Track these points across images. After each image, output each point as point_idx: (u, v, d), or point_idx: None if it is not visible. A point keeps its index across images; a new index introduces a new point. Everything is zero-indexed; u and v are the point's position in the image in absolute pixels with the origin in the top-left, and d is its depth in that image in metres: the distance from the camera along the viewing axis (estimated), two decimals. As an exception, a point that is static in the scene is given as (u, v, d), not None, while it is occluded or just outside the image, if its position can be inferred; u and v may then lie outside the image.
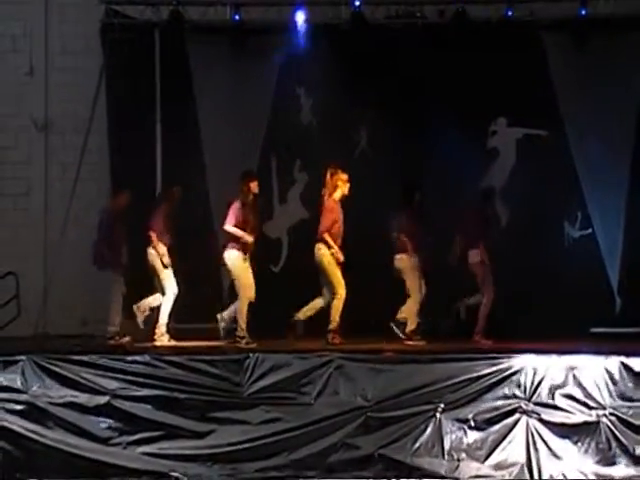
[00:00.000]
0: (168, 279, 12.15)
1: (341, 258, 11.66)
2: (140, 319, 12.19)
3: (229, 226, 11.79)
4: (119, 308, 12.18)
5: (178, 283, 12.18)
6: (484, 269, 12.08)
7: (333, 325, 11.63)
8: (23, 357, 10.72)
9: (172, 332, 12.19)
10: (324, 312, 11.81)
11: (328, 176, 11.85)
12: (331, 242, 11.66)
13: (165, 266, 12.11)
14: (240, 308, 11.79)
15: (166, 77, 13.49)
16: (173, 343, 12.00)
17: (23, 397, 10.64)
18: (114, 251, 12.10)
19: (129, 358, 10.69)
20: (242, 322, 11.73)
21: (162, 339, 12.07)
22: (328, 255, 11.66)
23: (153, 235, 12.10)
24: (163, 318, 12.16)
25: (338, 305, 11.65)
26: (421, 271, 12.06)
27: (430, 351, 11.10)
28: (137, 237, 12.30)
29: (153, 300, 12.24)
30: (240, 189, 11.90)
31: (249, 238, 11.75)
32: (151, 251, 12.13)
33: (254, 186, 11.96)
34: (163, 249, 12.10)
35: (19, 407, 10.62)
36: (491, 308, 12.09)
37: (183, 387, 10.55)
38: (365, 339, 11.79)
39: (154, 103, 13.52)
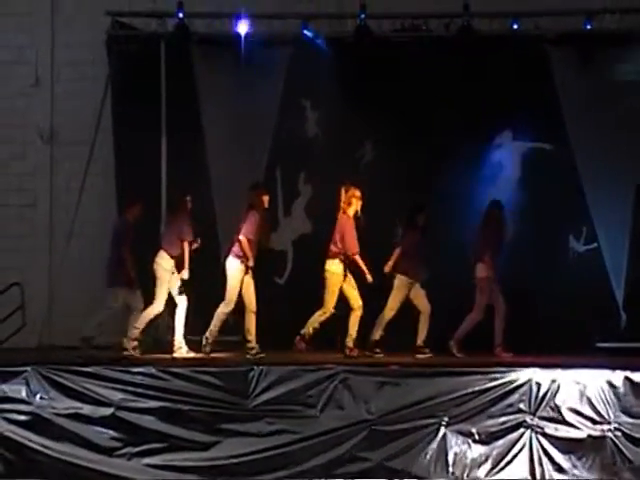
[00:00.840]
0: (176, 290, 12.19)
1: (370, 279, 11.81)
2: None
3: (244, 237, 11.84)
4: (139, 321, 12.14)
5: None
6: (487, 284, 12.10)
7: (351, 338, 11.79)
8: (28, 368, 10.76)
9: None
10: (330, 325, 11.86)
11: (342, 192, 11.93)
12: (362, 265, 11.81)
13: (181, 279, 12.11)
14: (248, 320, 11.84)
15: (172, 88, 13.48)
16: (192, 355, 11.96)
17: (28, 408, 10.67)
18: (126, 266, 12.06)
19: (134, 370, 10.72)
20: (252, 333, 11.79)
21: (181, 351, 12.04)
22: (340, 275, 11.79)
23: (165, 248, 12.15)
24: (179, 330, 12.15)
25: (354, 320, 11.86)
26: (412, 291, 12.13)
27: (434, 365, 11.10)
28: (143, 247, 12.32)
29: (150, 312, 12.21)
30: (253, 201, 11.98)
31: (251, 261, 11.86)
32: (159, 261, 12.13)
33: (266, 200, 12.10)
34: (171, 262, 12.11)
35: (23, 418, 10.66)
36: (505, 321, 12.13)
37: (188, 399, 10.58)
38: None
39: (159, 114, 13.51)
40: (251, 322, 11.81)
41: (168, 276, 12.09)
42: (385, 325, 12.07)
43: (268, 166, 13.38)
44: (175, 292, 12.15)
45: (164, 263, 12.09)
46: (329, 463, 10.33)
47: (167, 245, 12.18)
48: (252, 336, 11.77)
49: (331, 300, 11.88)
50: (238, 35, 13.33)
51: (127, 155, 13.31)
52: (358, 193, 11.96)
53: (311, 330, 12.01)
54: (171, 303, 12.26)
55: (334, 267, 11.86)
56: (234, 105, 13.29)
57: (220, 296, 12.16)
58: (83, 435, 10.56)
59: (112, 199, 13.37)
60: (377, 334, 12.04)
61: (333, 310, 11.92)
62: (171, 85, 13.46)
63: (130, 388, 10.64)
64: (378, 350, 11.95)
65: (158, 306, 12.07)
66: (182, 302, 12.18)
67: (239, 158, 13.23)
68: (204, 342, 11.84)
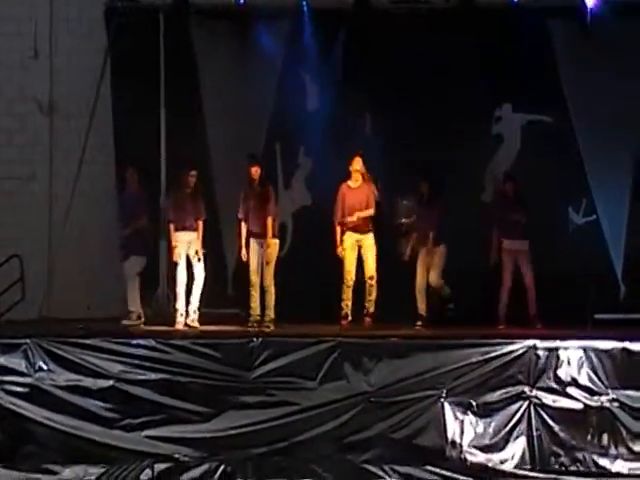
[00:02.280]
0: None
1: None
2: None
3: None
4: (136, 289, 12.29)
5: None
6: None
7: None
8: (27, 340, 10.74)
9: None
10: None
11: (360, 163, 12.06)
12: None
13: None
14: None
15: (170, 60, 13.45)
16: (202, 327, 12.03)
17: (27, 380, 10.66)
18: (144, 235, 12.32)
19: (134, 342, 10.71)
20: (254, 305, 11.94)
21: (194, 323, 12.10)
22: None
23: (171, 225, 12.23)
24: (195, 302, 12.19)
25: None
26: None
27: (433, 337, 11.14)
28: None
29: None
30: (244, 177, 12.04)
31: (241, 245, 12.05)
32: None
33: (253, 171, 12.06)
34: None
35: (23, 390, 10.64)
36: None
37: (188, 371, 10.57)
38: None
39: (158, 86, 13.48)
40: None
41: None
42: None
43: (268, 139, 13.37)
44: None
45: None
46: (328, 434, 10.35)
47: (185, 222, 12.20)
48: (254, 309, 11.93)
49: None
50: (238, 7, 13.28)
51: (126, 127, 13.25)
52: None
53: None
54: (172, 275, 12.31)
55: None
56: (233, 77, 13.29)
57: (219, 271, 12.21)
58: (82, 407, 10.56)
59: (111, 171, 13.37)
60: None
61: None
62: (170, 57, 13.43)
63: (130, 360, 10.64)
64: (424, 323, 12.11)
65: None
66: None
67: (238, 130, 13.24)
68: (254, 324, 11.91)
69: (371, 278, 12.06)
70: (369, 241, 12.12)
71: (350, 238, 12.13)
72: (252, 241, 12.11)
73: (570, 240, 13.12)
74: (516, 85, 13.19)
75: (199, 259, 12.14)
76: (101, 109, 13.34)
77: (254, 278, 12.04)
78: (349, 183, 12.29)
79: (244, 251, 12.13)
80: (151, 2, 13.50)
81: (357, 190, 12.24)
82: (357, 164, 12.21)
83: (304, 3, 13.29)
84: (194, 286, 12.14)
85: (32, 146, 14.30)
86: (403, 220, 12.27)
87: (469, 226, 12.41)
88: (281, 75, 13.34)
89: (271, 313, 11.97)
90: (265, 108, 13.34)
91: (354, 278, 12.09)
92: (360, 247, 12.13)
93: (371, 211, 12.15)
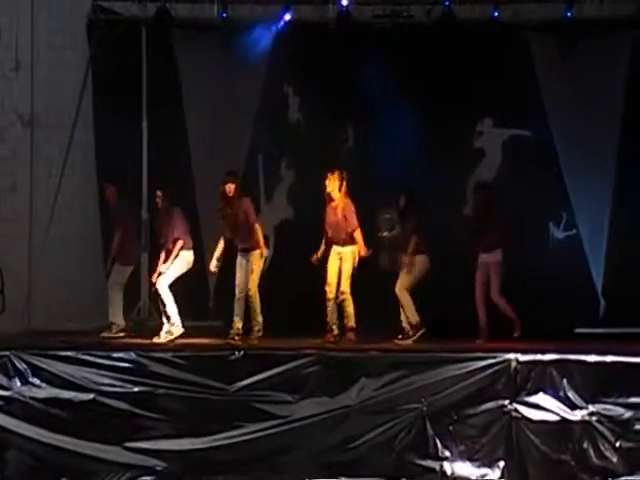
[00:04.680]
0: None
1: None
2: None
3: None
4: (119, 301, 12.30)
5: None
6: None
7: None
8: (7, 352, 10.68)
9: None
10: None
11: (335, 174, 11.90)
12: (360, 240, 11.89)
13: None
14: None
15: (153, 73, 13.48)
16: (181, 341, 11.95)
17: (7, 393, 10.60)
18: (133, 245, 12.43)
19: (114, 355, 10.67)
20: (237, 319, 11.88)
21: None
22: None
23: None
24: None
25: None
26: None
27: (415, 350, 11.14)
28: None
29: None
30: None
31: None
32: None
33: (227, 189, 11.92)
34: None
35: (1, 403, 10.57)
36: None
37: (168, 384, 10.53)
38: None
39: (140, 99, 13.51)
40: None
41: None
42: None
43: (250, 152, 13.41)
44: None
45: None
46: (310, 449, 10.34)
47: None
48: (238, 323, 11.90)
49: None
50: (220, 20, 13.32)
51: (108, 140, 13.27)
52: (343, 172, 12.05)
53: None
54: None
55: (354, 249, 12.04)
56: (216, 90, 13.31)
57: (200, 284, 12.24)
58: (63, 420, 10.51)
59: (93, 184, 13.35)
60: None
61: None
62: (152, 70, 13.47)
63: (110, 373, 10.60)
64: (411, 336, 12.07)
65: None
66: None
67: (220, 143, 13.25)
68: (234, 338, 11.79)
69: (342, 293, 11.95)
70: (347, 255, 12.08)
71: (333, 251, 12.11)
72: (238, 254, 12.05)
73: (550, 254, 13.19)
74: (497, 100, 13.29)
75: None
76: (83, 121, 13.32)
77: (237, 291, 11.99)
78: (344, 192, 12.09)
79: (213, 263, 12.10)
80: (134, 15, 13.53)
81: (335, 208, 12.12)
82: (328, 186, 12.01)
83: (286, 16, 13.33)
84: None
85: (13, 158, 14.25)
86: (385, 234, 12.27)
87: (450, 240, 12.43)
88: (263, 88, 13.37)
89: (258, 323, 11.92)
90: (247, 120, 13.38)
91: (334, 291, 12.02)
92: (340, 260, 12.11)
93: (354, 227, 12.05)
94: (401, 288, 12.09)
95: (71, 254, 13.30)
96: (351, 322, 11.98)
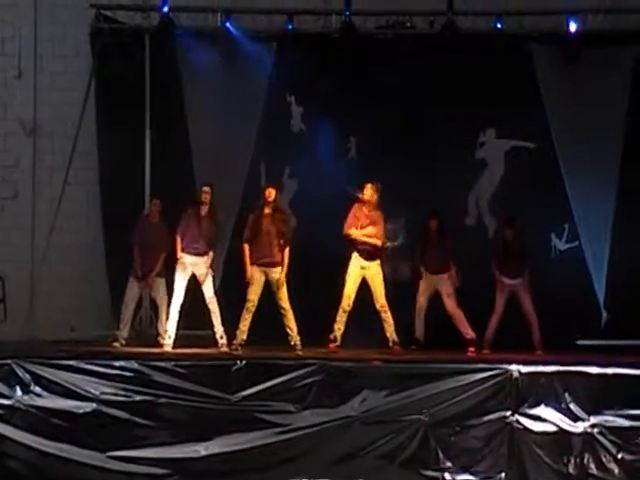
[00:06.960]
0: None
1: None
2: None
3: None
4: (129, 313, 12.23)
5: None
6: None
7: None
8: (9, 361, 10.67)
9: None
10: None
11: (377, 185, 12.00)
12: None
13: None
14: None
15: (156, 83, 13.49)
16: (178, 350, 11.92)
17: (8, 402, 10.59)
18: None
19: (116, 364, 10.66)
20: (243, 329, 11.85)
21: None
22: None
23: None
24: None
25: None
26: None
27: (417, 360, 11.14)
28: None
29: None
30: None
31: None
32: None
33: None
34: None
35: (3, 412, 10.56)
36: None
37: (170, 393, 10.52)
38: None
39: (143, 108, 13.51)
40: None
41: None
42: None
43: (252, 161, 13.40)
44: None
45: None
46: (312, 459, 10.33)
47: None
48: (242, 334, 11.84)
49: None
50: (223, 30, 13.34)
51: (110, 148, 13.29)
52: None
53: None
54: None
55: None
56: (219, 100, 13.30)
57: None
58: (64, 429, 10.50)
59: (96, 192, 13.36)
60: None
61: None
62: (155, 78, 13.47)
63: (112, 382, 10.59)
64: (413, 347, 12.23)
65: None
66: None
67: (223, 153, 13.25)
68: (236, 347, 11.77)
69: (382, 306, 11.95)
70: (377, 268, 11.99)
71: (355, 262, 12.00)
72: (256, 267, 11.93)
73: (552, 266, 13.19)
74: (500, 110, 13.29)
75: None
76: (85, 130, 13.33)
77: (250, 305, 11.88)
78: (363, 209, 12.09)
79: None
80: (137, 23, 13.55)
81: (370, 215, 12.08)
82: (367, 195, 12.03)
83: (289, 27, 13.35)
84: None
85: (15, 166, 14.29)
86: (388, 244, 12.30)
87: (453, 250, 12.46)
88: (266, 97, 13.38)
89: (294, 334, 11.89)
90: (250, 129, 13.38)
91: (351, 304, 11.96)
92: (365, 274, 12.01)
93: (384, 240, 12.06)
94: (455, 307, 12.22)
95: (73, 262, 13.33)
96: (394, 335, 12.00)
